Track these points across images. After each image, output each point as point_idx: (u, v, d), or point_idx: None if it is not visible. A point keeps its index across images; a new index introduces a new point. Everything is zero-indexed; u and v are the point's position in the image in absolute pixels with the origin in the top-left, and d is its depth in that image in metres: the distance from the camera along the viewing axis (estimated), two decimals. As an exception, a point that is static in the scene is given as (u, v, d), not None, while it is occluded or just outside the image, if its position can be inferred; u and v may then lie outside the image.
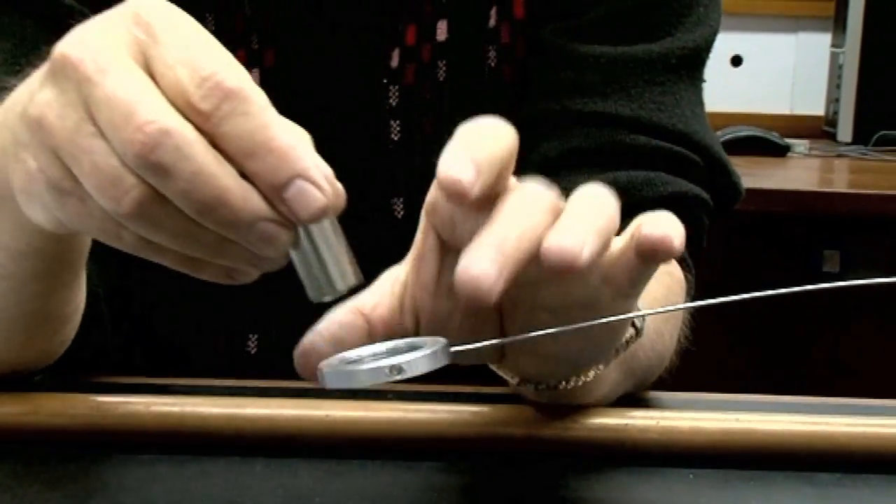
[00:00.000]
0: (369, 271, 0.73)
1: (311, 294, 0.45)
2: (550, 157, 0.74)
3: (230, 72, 0.40)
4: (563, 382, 0.56)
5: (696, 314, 0.69)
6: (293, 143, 0.40)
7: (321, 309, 0.72)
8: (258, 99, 0.40)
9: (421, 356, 0.43)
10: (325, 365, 0.45)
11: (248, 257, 0.44)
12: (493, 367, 0.56)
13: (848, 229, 1.85)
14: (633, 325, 0.57)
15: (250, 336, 0.76)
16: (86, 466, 0.56)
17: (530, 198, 0.44)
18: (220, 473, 0.56)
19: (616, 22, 0.72)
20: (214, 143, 0.40)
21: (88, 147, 0.40)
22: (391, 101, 0.74)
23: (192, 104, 0.39)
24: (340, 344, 0.47)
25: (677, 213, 0.66)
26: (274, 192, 0.40)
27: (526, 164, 0.52)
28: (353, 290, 0.48)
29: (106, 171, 0.39)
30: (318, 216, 0.41)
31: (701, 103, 0.75)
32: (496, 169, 0.43)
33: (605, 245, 0.44)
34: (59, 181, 0.42)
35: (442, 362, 0.44)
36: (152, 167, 0.38)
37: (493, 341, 0.47)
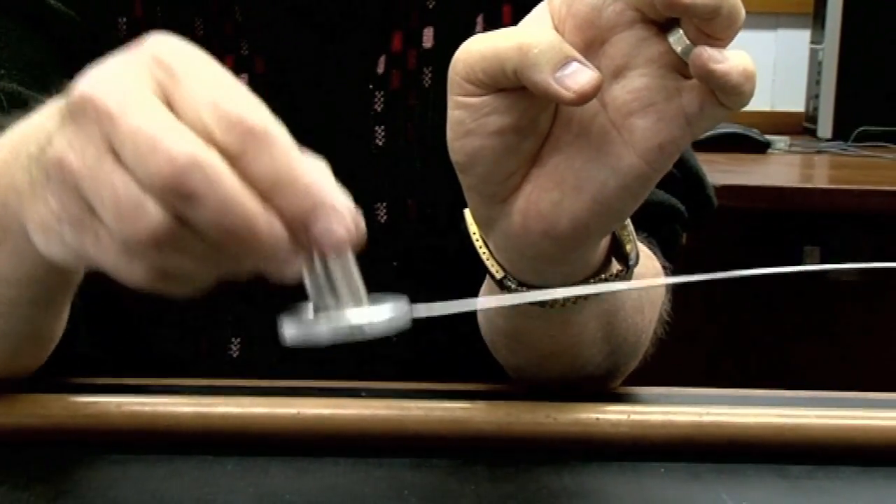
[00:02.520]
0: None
1: (322, 330, 0.47)
2: None
3: (255, 113, 0.41)
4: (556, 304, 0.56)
5: (674, 312, 0.71)
6: (319, 178, 0.42)
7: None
8: (283, 138, 0.41)
9: (383, 320, 0.44)
10: (286, 318, 0.45)
11: (252, 271, 0.45)
12: (482, 252, 0.57)
13: (828, 225, 1.86)
14: (626, 262, 0.58)
15: (233, 339, 0.77)
16: (57, 467, 0.56)
17: None
18: (191, 472, 0.56)
19: None
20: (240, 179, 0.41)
21: (109, 179, 0.40)
22: (377, 106, 0.75)
23: (218, 143, 0.40)
24: None
25: (653, 223, 0.70)
26: (299, 225, 0.41)
27: None
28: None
29: (126, 200, 0.40)
30: (343, 249, 0.42)
31: None
32: None
33: None
34: (79, 217, 0.42)
35: (403, 326, 0.44)
36: (181, 195, 0.39)
37: (457, 303, 0.47)
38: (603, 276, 0.57)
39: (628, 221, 0.57)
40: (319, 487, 0.55)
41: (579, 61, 0.48)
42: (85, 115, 0.41)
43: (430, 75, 0.76)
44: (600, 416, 0.59)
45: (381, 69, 0.75)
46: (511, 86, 0.49)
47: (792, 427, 0.59)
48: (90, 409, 0.58)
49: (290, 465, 0.57)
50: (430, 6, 0.75)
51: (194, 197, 0.39)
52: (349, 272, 0.45)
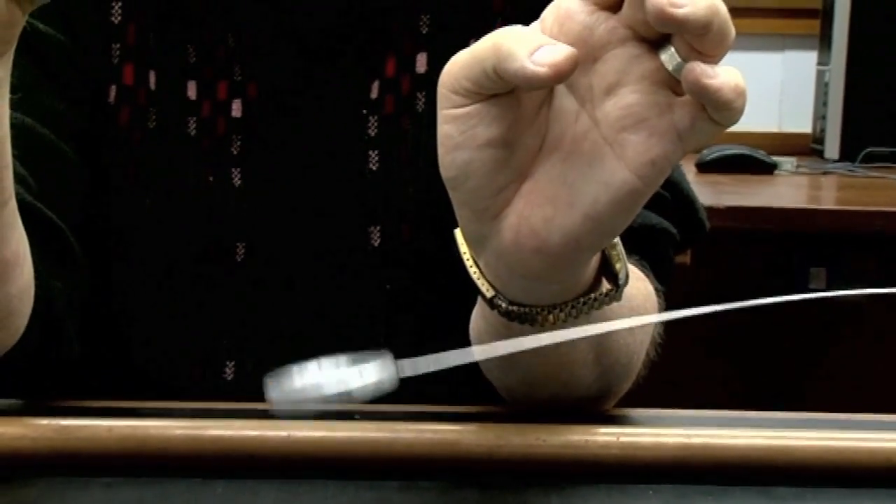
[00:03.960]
0: (345, 300, 0.78)
1: None
2: None
3: None
4: (541, 311, 0.56)
5: (669, 333, 0.72)
6: None
7: (295, 341, 0.74)
8: None
9: (370, 383, 0.44)
10: (272, 381, 0.45)
11: None
12: (476, 273, 0.57)
13: (835, 246, 1.87)
14: (616, 281, 0.58)
15: (227, 363, 0.77)
16: (47, 490, 0.56)
17: None
18: (181, 495, 0.56)
19: None
20: None
21: None
22: (370, 131, 0.76)
23: None
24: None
25: (646, 245, 0.71)
26: None
27: None
28: None
29: None
30: None
31: None
32: None
33: None
34: None
35: (391, 387, 0.45)
36: None
37: (445, 354, 0.47)
38: (593, 295, 0.57)
39: (618, 241, 0.58)
40: None
41: (551, 44, 0.49)
42: None
43: (423, 100, 0.76)
44: (589, 438, 0.59)
45: (374, 94, 0.75)
46: (495, 89, 0.50)
47: (779, 448, 0.60)
48: (81, 433, 0.58)
49: (279, 488, 0.57)
50: (424, 31, 0.76)
51: None
52: None
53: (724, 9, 0.46)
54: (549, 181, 0.52)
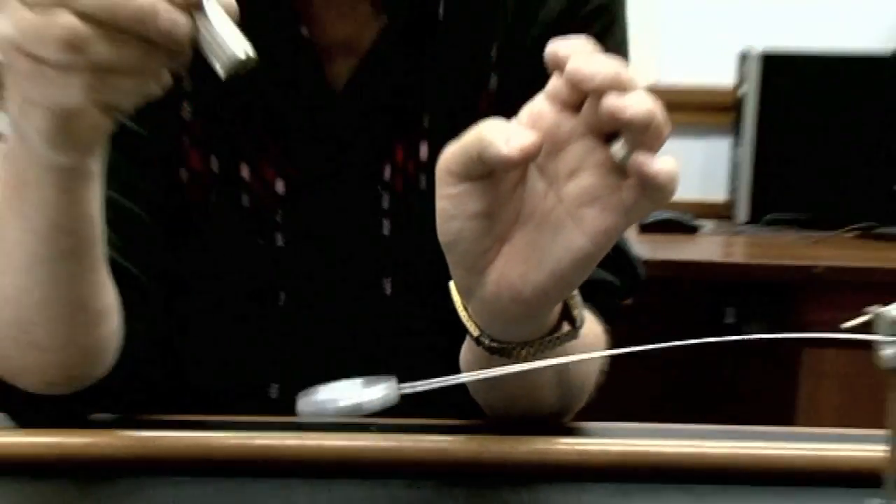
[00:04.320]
0: (363, 335, 0.83)
1: (221, 70, 0.51)
2: None
3: None
4: (516, 347, 0.61)
5: (613, 363, 0.73)
6: None
7: (325, 366, 0.73)
8: None
9: (376, 398, 0.50)
10: (302, 397, 0.51)
11: (164, 58, 0.50)
12: (466, 317, 0.62)
13: (742, 290, 2.10)
14: (574, 323, 0.63)
15: (272, 385, 0.83)
16: (130, 486, 0.63)
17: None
18: (233, 490, 0.63)
19: None
20: None
21: (25, 25, 0.48)
22: (384, 204, 0.81)
23: None
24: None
25: (592, 298, 0.73)
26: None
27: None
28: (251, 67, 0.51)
29: (36, 23, 0.48)
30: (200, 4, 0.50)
31: None
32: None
33: None
34: (30, 69, 0.49)
35: (393, 402, 0.50)
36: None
37: (438, 380, 0.52)
38: (556, 334, 0.63)
39: (576, 291, 0.63)
40: (335, 501, 0.62)
41: (521, 132, 0.52)
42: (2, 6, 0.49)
43: (425, 180, 0.80)
44: (552, 446, 0.66)
45: (387, 175, 0.80)
46: (480, 171, 0.54)
47: (699, 454, 0.66)
48: (156, 442, 0.65)
49: (312, 485, 0.63)
50: (425, 126, 0.80)
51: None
52: (222, 21, 0.51)
53: (660, 111, 0.51)
54: (523, 245, 0.56)
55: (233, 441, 0.65)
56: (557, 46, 0.52)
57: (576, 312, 0.63)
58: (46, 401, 0.69)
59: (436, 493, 0.64)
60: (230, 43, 0.50)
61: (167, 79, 0.52)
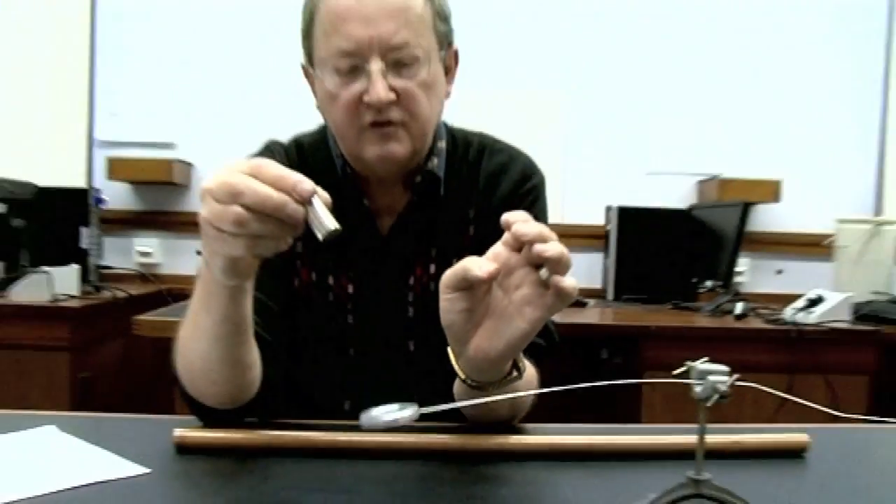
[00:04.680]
0: (399, 375, 1.12)
1: (321, 236, 0.68)
2: None
3: (265, 170, 0.71)
4: (487, 385, 0.82)
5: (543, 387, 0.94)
6: (300, 180, 0.69)
7: (377, 393, 0.92)
8: (267, 168, 0.69)
9: (406, 416, 0.67)
10: (363, 416, 0.67)
11: (289, 230, 0.69)
12: (457, 367, 0.82)
13: (611, 339, 2.97)
14: (520, 371, 0.85)
15: (346, 401, 1.11)
16: (263, 465, 0.88)
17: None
18: (319, 469, 0.87)
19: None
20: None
21: (214, 210, 0.68)
22: (409, 299, 1.09)
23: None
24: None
25: (530, 353, 0.98)
26: (297, 197, 0.70)
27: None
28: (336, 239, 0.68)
29: (220, 210, 0.68)
30: (311, 195, 0.71)
31: None
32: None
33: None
34: (216, 236, 0.69)
35: (416, 417, 0.67)
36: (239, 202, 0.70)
37: (444, 406, 0.71)
38: (509, 377, 0.87)
39: (521, 352, 0.87)
40: (380, 472, 0.86)
41: (487, 264, 0.74)
42: (203, 199, 0.70)
43: (433, 287, 1.09)
44: (507, 439, 0.93)
45: (411, 282, 1.10)
46: (464, 285, 0.75)
47: (602, 442, 0.92)
48: (282, 438, 0.93)
49: (369, 463, 0.89)
50: (433, 255, 1.08)
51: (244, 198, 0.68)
52: (321, 210, 0.67)
53: (566, 251, 0.74)
54: (490, 328, 0.80)
55: (321, 437, 0.95)
56: (508, 216, 0.79)
57: (521, 364, 0.90)
58: (219, 412, 0.98)
59: (439, 468, 0.88)
60: (325, 221, 0.72)
61: (290, 241, 0.77)
